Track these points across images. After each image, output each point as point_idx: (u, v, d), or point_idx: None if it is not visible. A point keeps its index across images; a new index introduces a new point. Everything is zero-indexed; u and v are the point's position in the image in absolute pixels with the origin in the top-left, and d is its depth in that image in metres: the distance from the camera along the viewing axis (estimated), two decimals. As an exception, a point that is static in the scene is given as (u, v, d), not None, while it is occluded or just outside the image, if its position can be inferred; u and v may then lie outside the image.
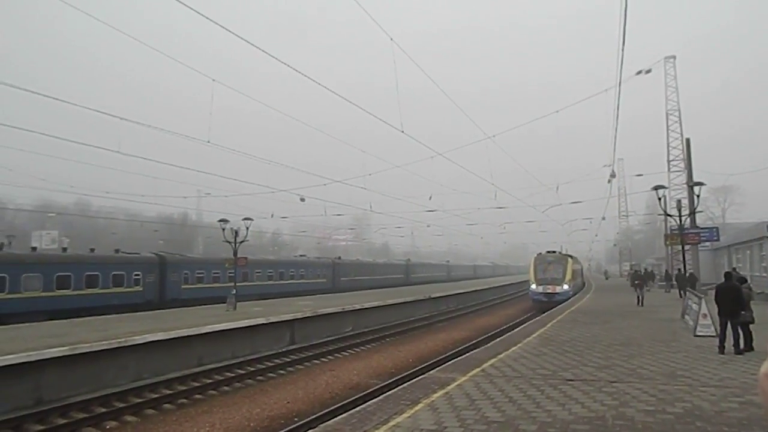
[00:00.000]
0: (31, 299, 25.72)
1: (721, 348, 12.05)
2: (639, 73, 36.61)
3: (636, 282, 28.43)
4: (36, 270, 26.58)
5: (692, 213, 25.92)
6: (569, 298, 32.50)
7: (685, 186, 33.96)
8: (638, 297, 27.04)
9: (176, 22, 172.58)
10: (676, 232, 26.20)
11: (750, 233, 37.85)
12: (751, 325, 12.23)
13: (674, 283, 36.13)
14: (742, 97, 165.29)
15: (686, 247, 26.15)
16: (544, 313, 25.00)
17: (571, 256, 41.37)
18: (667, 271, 42.94)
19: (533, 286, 34.97)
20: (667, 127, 43.52)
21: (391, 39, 18.34)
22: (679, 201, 29.22)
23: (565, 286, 34.05)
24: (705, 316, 14.78)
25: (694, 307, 16.10)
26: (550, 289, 33.89)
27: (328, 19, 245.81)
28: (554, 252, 38.16)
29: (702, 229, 30.95)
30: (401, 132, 21.68)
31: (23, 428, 11.01)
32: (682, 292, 32.53)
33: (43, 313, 24.77)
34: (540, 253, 37.45)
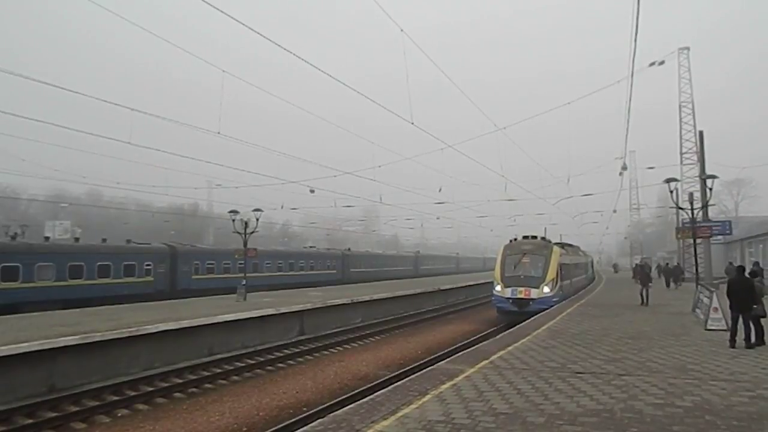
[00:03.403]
0: (45, 288, 26.04)
1: (732, 342, 11.97)
2: (652, 64, 36.09)
3: (638, 278, 24.29)
4: (49, 260, 26.90)
5: (705, 206, 25.69)
6: (551, 307, 22.30)
7: (698, 179, 33.64)
8: (641, 295, 23.09)
9: (186, 12, 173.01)
10: (688, 225, 25.97)
11: (763, 226, 37.47)
12: (762, 320, 12.14)
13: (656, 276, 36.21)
14: (756, 87, 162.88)
15: (698, 241, 25.94)
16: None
17: (567, 245, 33.13)
18: (678, 264, 42.71)
19: (497, 288, 24.26)
20: (680, 119, 43.05)
21: (401, 30, 18.24)
22: (691, 194, 28.95)
23: (546, 289, 23.27)
24: (716, 309, 14.67)
25: (705, 300, 15.99)
26: (521, 292, 23.19)
27: (338, 9, 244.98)
28: (534, 237, 26.88)
29: (714, 222, 30.46)
30: (411, 124, 21.63)
31: (37, 415, 11.18)
32: (667, 283, 35.38)
33: (56, 302, 25.08)
34: (513, 239, 26.75)
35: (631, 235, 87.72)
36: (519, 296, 23.20)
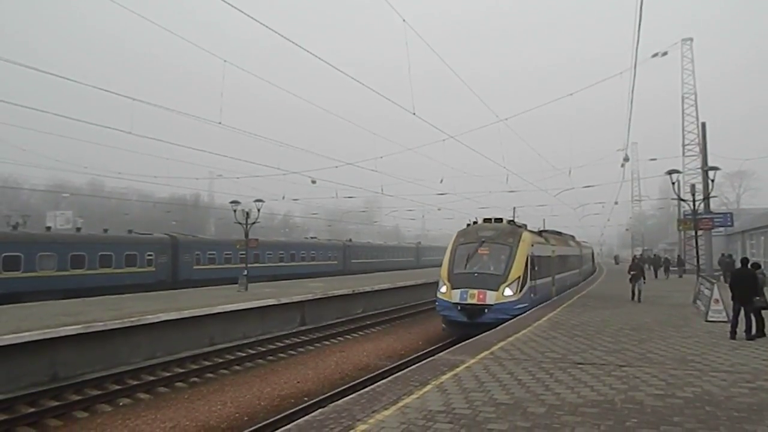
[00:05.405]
0: (46, 278, 26.10)
1: (733, 333, 11.98)
2: (655, 56, 35.99)
3: (631, 272, 21.26)
4: (50, 249, 26.94)
5: (706, 198, 25.67)
6: (516, 317, 16.19)
7: (700, 170, 33.57)
8: (632, 291, 20.90)
9: (187, 1, 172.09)
10: (690, 217, 25.94)
11: (764, 219, 37.36)
12: (764, 311, 12.14)
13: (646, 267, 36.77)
14: (760, 79, 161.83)
15: (699, 233, 25.93)
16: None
17: (551, 232, 27.93)
18: (679, 256, 42.71)
19: (442, 290, 17.90)
20: (683, 111, 42.81)
21: (404, 20, 18.12)
22: (693, 186, 28.93)
23: (507, 292, 16.91)
24: (717, 301, 14.68)
25: (706, 292, 15.99)
26: (474, 296, 16.83)
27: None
28: (499, 220, 19.94)
29: (716, 214, 30.45)
30: (413, 114, 21.54)
31: (39, 404, 11.24)
32: (656, 273, 37.47)
33: (57, 291, 25.14)
34: (472, 223, 20.36)
35: (633, 227, 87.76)
36: (470, 301, 16.78)
